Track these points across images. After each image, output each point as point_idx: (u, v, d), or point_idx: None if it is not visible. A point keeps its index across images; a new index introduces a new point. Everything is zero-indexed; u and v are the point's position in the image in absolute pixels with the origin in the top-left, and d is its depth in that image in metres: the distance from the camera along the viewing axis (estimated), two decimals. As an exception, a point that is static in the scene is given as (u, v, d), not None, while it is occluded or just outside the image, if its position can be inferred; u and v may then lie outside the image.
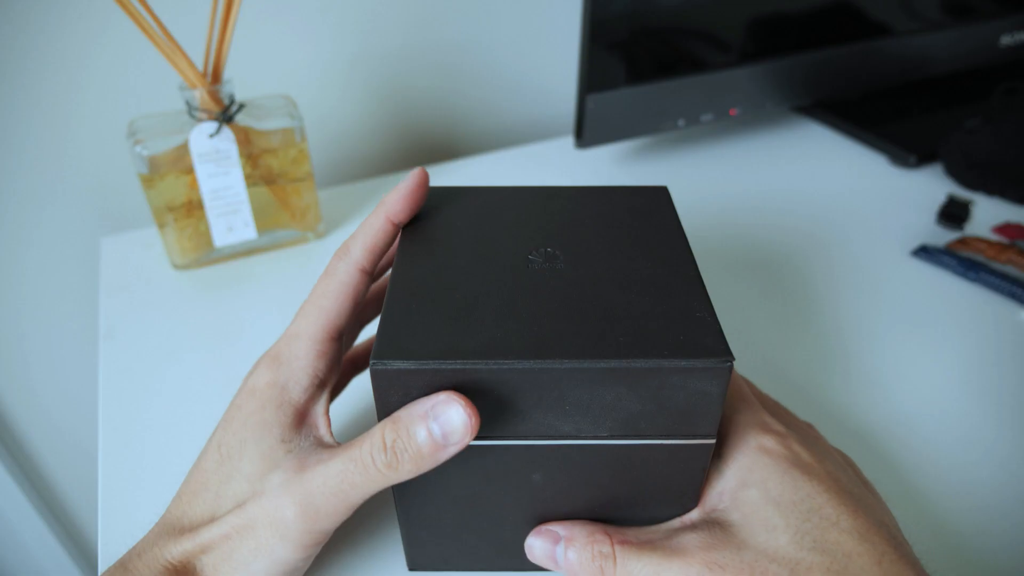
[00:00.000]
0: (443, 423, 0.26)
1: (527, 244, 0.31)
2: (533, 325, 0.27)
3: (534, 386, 0.26)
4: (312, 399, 0.31)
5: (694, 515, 0.30)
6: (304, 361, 0.30)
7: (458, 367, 0.26)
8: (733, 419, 0.31)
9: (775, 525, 0.27)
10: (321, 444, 0.30)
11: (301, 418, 0.30)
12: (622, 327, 0.27)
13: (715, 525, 0.29)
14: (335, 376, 0.32)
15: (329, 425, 0.31)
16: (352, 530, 0.36)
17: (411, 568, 0.33)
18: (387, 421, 0.27)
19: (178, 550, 0.29)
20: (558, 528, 0.31)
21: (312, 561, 0.30)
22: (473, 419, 0.26)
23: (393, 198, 0.32)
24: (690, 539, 0.28)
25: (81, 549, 0.84)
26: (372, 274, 0.33)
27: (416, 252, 0.31)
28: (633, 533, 0.30)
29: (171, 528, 0.30)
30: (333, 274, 0.32)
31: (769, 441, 0.30)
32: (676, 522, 0.31)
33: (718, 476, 0.30)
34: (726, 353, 0.26)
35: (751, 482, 0.29)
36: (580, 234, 0.32)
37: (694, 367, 0.25)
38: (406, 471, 0.27)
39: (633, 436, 0.27)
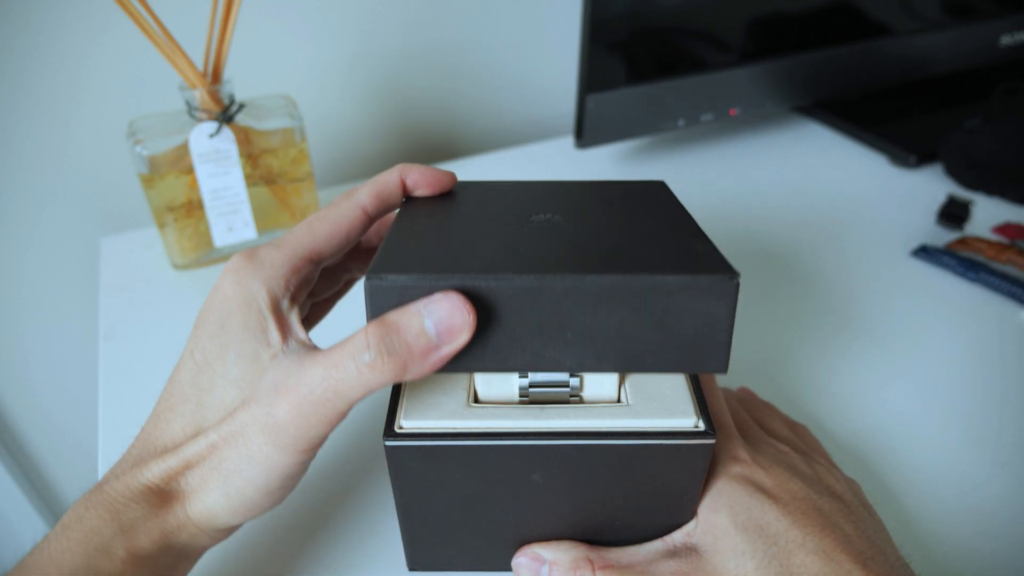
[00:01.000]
0: (438, 319, 0.24)
1: (529, 210, 0.31)
2: (534, 256, 0.26)
3: (535, 307, 0.25)
4: (289, 309, 0.28)
5: (677, 538, 0.31)
6: (279, 269, 0.28)
7: (456, 283, 0.24)
8: None
9: (743, 551, 0.28)
10: (305, 347, 0.27)
11: (282, 322, 0.27)
12: (625, 254, 0.26)
13: (691, 552, 0.30)
14: (304, 297, 0.30)
15: (307, 334, 0.29)
16: (352, 530, 0.36)
17: (411, 568, 0.33)
18: (374, 321, 0.24)
19: (160, 469, 0.27)
20: (544, 551, 0.31)
21: (307, 468, 0.28)
22: (471, 316, 0.24)
23: (414, 167, 0.32)
24: (667, 567, 0.29)
25: (81, 549, 0.84)
26: (372, 218, 0.31)
27: (419, 208, 0.31)
28: (616, 556, 0.31)
29: (149, 448, 0.28)
30: (334, 206, 0.30)
31: (736, 469, 0.30)
32: (660, 543, 0.31)
33: None
34: (730, 271, 0.25)
35: (719, 507, 0.30)
36: (582, 205, 0.32)
37: (698, 283, 0.24)
38: (390, 371, 0.24)
39: (638, 369, 0.26)
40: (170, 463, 0.27)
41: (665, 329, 0.25)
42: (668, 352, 0.26)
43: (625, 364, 0.26)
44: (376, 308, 0.25)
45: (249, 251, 0.29)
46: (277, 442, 0.26)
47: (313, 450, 0.27)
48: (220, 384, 0.27)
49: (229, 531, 0.29)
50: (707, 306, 0.25)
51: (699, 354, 0.26)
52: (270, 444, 0.26)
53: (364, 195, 0.31)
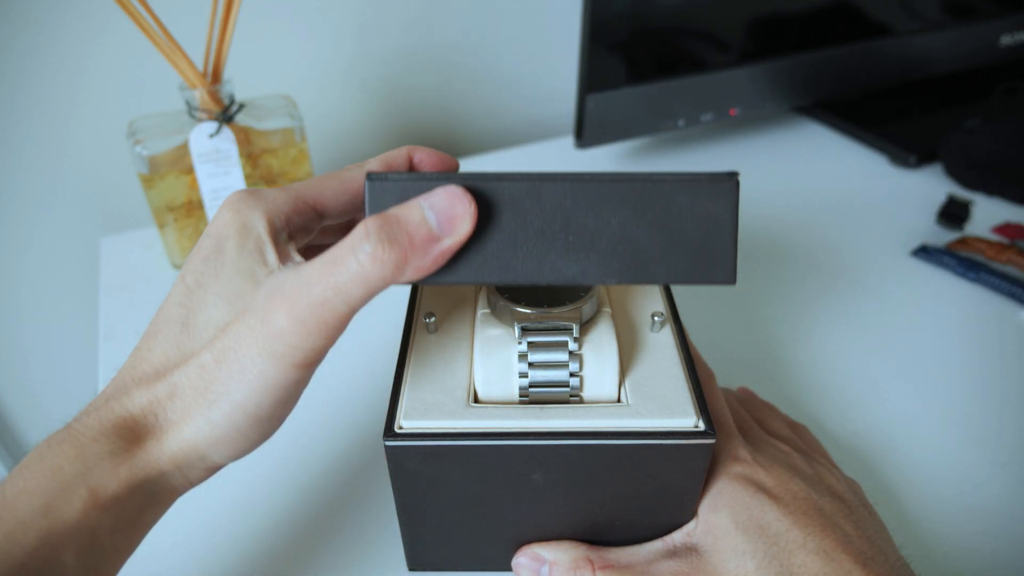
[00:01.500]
0: (438, 209, 0.23)
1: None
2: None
3: (536, 208, 0.24)
4: (287, 242, 0.27)
5: (677, 538, 0.31)
6: (281, 205, 0.27)
7: (458, 182, 0.24)
8: None
9: (743, 551, 0.28)
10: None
11: (280, 249, 0.26)
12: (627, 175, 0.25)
13: (691, 552, 0.30)
14: (302, 244, 0.29)
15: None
16: (352, 530, 0.36)
17: (411, 568, 0.33)
18: (374, 215, 0.23)
19: (140, 399, 0.25)
20: (544, 551, 0.31)
21: (299, 394, 0.26)
22: (471, 206, 0.23)
23: (421, 148, 0.31)
24: (667, 567, 0.29)
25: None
26: None
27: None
28: (616, 556, 0.31)
29: (128, 379, 0.26)
30: (344, 170, 0.30)
31: (737, 468, 0.30)
32: (659, 543, 0.31)
33: None
34: (730, 176, 0.25)
35: (720, 507, 0.30)
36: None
37: (698, 181, 0.24)
38: (391, 261, 0.23)
39: (643, 279, 0.25)
40: (154, 390, 0.25)
41: (668, 233, 0.25)
42: (673, 259, 0.25)
43: (629, 273, 0.25)
44: (376, 207, 0.24)
45: (251, 189, 0.27)
46: (272, 352, 0.23)
47: (310, 366, 0.25)
48: (211, 302, 0.25)
49: (208, 471, 0.26)
50: (708, 206, 0.24)
51: (705, 262, 0.25)
52: (264, 355, 0.24)
53: (374, 164, 0.30)
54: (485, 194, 0.24)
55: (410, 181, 0.24)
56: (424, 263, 0.23)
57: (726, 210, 0.25)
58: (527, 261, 0.25)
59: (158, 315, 0.26)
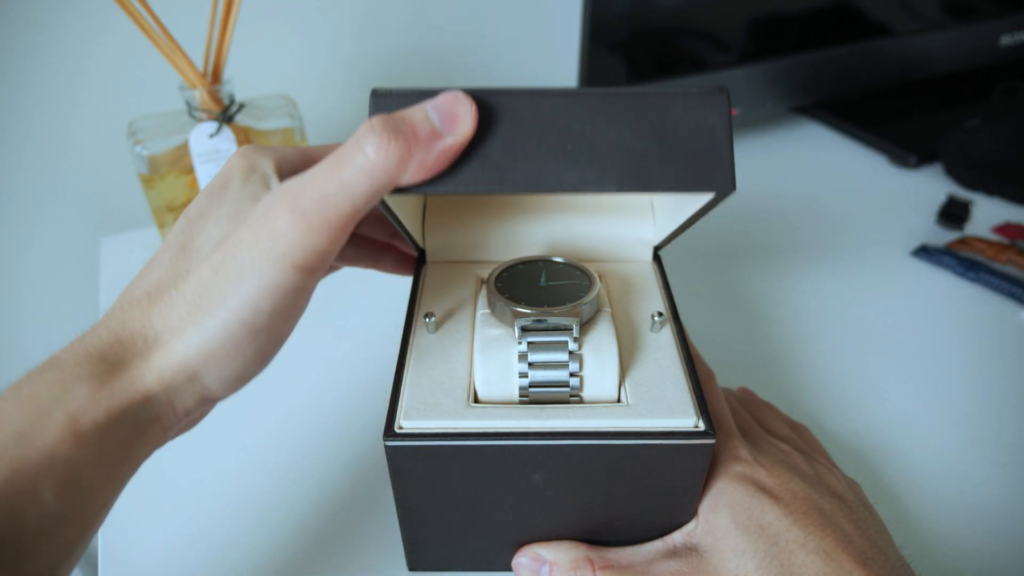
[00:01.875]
0: (440, 109, 0.23)
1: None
2: None
3: (535, 117, 0.25)
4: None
5: (677, 538, 0.31)
6: (290, 156, 0.27)
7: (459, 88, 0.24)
8: None
9: (743, 551, 0.28)
10: None
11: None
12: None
13: (692, 552, 0.30)
14: None
15: None
16: (352, 530, 0.36)
17: (411, 568, 0.33)
18: (378, 114, 0.23)
19: (131, 321, 0.23)
20: (544, 551, 0.31)
21: (301, 306, 0.25)
22: (472, 107, 0.23)
23: None
24: (667, 567, 0.29)
25: (81, 549, 0.84)
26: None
27: None
28: (616, 556, 0.31)
29: (120, 306, 0.24)
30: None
31: (737, 468, 0.30)
32: (660, 543, 0.31)
33: None
34: (720, 89, 0.25)
35: (720, 507, 0.29)
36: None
37: (690, 92, 0.25)
38: (395, 154, 0.22)
39: (642, 186, 0.25)
40: (144, 310, 0.23)
41: (664, 141, 0.25)
42: (671, 167, 0.25)
43: (628, 181, 0.25)
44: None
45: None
46: (271, 251, 0.23)
47: (312, 271, 0.24)
48: (212, 222, 0.25)
49: (198, 401, 0.25)
50: (702, 116, 0.25)
51: (703, 170, 0.25)
52: (263, 256, 0.23)
53: None
54: (485, 105, 0.24)
55: (414, 96, 0.24)
56: (427, 159, 0.23)
57: (719, 120, 0.25)
58: (527, 170, 0.25)
59: (159, 250, 0.25)
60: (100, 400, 0.22)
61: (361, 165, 0.22)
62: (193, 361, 0.23)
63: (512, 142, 0.25)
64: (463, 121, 0.23)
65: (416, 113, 0.23)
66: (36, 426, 0.21)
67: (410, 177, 0.23)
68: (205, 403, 0.25)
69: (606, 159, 0.25)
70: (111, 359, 0.23)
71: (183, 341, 0.23)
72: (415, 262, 0.40)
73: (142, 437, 0.24)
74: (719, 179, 0.25)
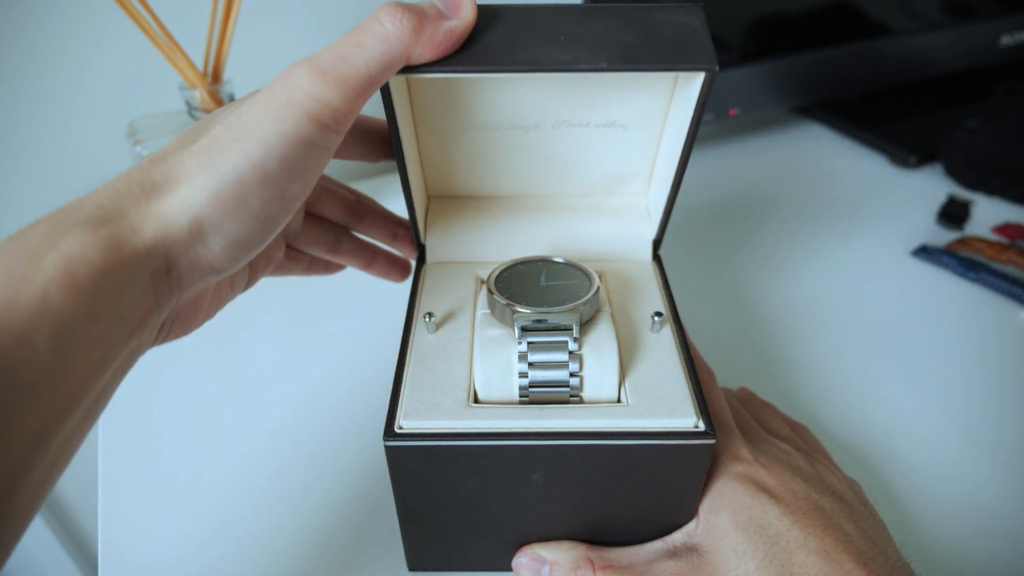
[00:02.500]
0: (446, 1, 0.26)
1: None
2: None
3: (531, 21, 0.28)
4: None
5: (677, 538, 0.31)
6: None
7: None
8: None
9: (744, 551, 0.28)
10: None
11: None
12: None
13: (692, 552, 0.30)
14: None
15: None
16: (352, 530, 0.36)
17: (411, 568, 0.33)
18: None
19: (136, 174, 0.23)
20: (545, 551, 0.31)
21: (315, 161, 0.25)
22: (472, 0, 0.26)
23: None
24: (667, 567, 0.29)
25: (81, 549, 0.84)
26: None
27: None
28: (616, 556, 0.31)
29: (123, 172, 0.24)
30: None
31: (738, 468, 0.30)
32: (660, 543, 0.31)
33: None
34: (697, 2, 0.29)
35: (720, 507, 0.29)
36: None
37: (668, 5, 0.29)
38: (410, 26, 0.25)
39: (630, 64, 0.28)
40: (146, 167, 0.23)
41: (650, 34, 0.28)
42: (656, 50, 0.28)
43: (618, 59, 0.28)
44: None
45: None
46: (288, 101, 0.23)
47: (326, 127, 0.24)
48: (233, 104, 0.26)
49: (199, 266, 0.24)
50: (681, 18, 0.28)
51: (686, 52, 0.28)
52: (280, 106, 0.23)
53: None
54: (487, 11, 0.28)
55: None
56: (436, 35, 0.26)
57: (698, 22, 0.29)
58: (524, 54, 0.28)
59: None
60: (97, 243, 0.21)
61: (378, 32, 0.25)
62: (198, 206, 0.23)
63: (512, 37, 0.28)
64: (465, 8, 0.26)
65: (425, 1, 0.26)
66: (28, 269, 0.20)
67: (420, 52, 0.26)
68: (204, 272, 0.24)
69: (597, 45, 0.28)
70: (108, 208, 0.22)
71: (188, 186, 0.23)
72: (406, 271, 0.41)
73: (139, 295, 0.22)
74: (702, 58, 0.28)
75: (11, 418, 0.19)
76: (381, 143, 0.35)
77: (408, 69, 0.27)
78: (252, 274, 0.33)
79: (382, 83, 0.26)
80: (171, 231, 0.23)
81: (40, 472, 0.20)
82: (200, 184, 0.23)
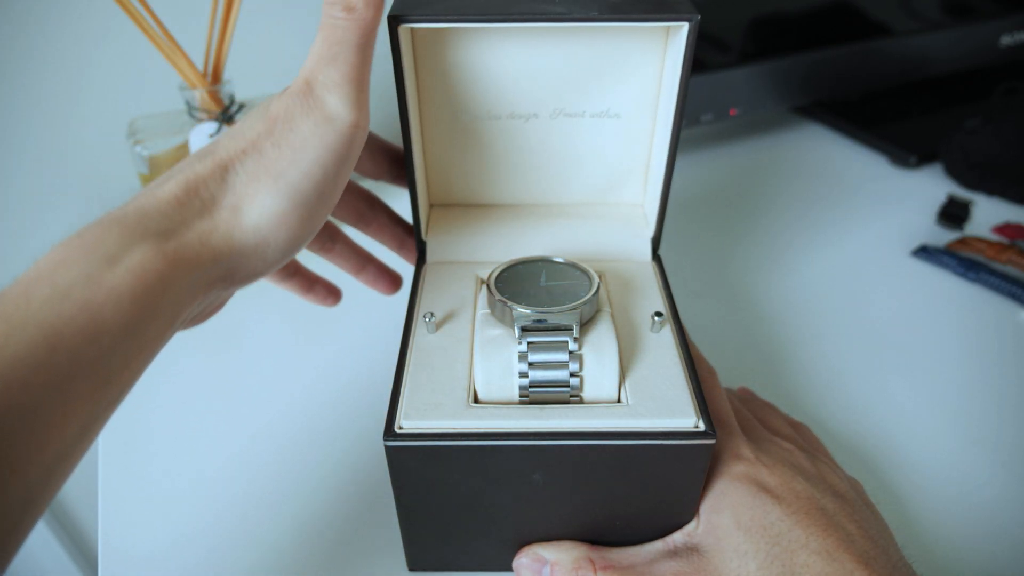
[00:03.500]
0: None
1: None
2: None
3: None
4: None
5: (678, 539, 0.31)
6: None
7: None
8: None
9: (745, 551, 0.28)
10: None
11: None
12: None
13: (693, 552, 0.30)
14: None
15: None
16: (352, 530, 0.36)
17: (411, 568, 0.33)
18: None
19: (201, 167, 0.25)
20: (545, 552, 0.31)
21: (350, 167, 0.27)
22: None
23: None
24: (668, 567, 0.29)
25: (81, 549, 0.84)
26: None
27: None
28: (617, 556, 0.31)
29: (181, 179, 0.25)
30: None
31: (740, 467, 0.30)
32: (660, 544, 0.31)
33: None
34: None
35: (722, 507, 0.30)
36: None
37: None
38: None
39: (618, 18, 0.30)
40: (205, 180, 0.25)
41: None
42: (641, 6, 0.31)
43: (608, 11, 0.30)
44: None
45: None
46: (322, 118, 0.26)
47: (351, 139, 0.26)
48: (271, 110, 0.27)
49: (256, 275, 0.26)
50: None
51: (668, 7, 0.31)
52: (318, 120, 0.26)
53: None
54: None
55: None
56: None
57: None
58: (522, 7, 0.30)
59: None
60: (167, 256, 0.23)
61: (340, 21, 0.27)
62: (267, 227, 0.25)
63: (507, 4, 0.31)
64: None
65: None
66: (104, 273, 0.22)
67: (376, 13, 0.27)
68: (255, 277, 0.27)
69: (588, 5, 0.31)
70: (175, 220, 0.24)
71: (253, 206, 0.25)
72: (396, 285, 0.41)
73: (193, 298, 0.24)
74: (682, 9, 0.31)
75: (71, 406, 0.21)
76: (384, 156, 0.37)
77: (408, 20, 0.30)
78: None
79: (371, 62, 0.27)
80: (237, 248, 0.25)
81: (75, 458, 0.22)
82: (266, 205, 0.25)
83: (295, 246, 0.27)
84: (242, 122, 0.27)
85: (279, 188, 0.25)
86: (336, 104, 0.26)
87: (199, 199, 0.25)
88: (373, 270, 0.40)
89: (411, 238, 0.40)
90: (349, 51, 0.27)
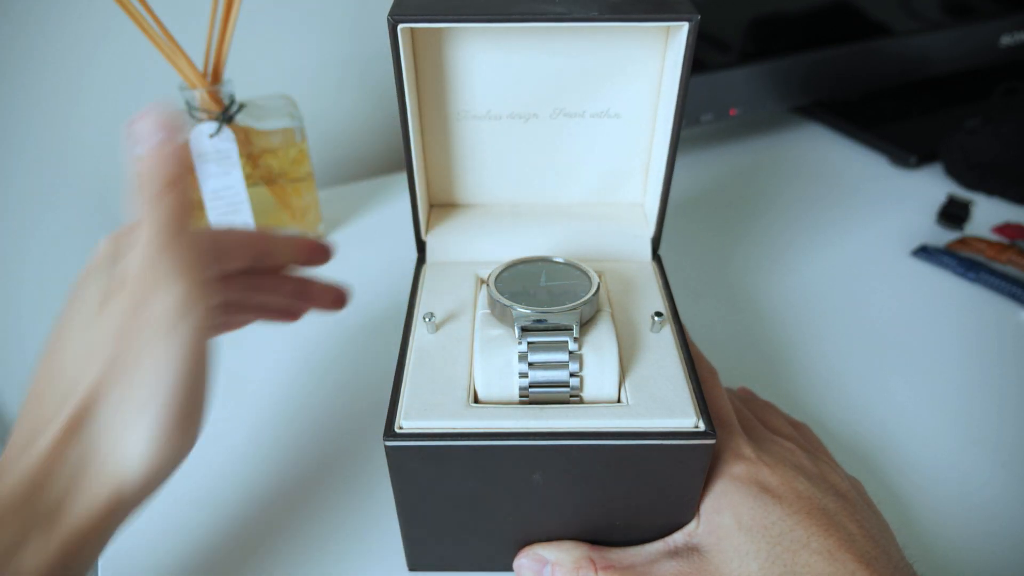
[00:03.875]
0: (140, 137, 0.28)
1: None
2: None
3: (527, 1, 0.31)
4: None
5: (678, 539, 0.31)
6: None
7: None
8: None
9: (747, 551, 0.28)
10: None
11: None
12: None
13: (693, 552, 0.30)
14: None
15: None
16: (352, 530, 0.36)
17: (411, 568, 0.33)
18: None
19: (51, 437, 0.24)
20: (546, 552, 0.31)
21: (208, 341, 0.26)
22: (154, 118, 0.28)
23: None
24: (669, 567, 0.29)
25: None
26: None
27: None
28: (618, 556, 0.31)
29: (18, 447, 0.24)
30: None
31: (740, 467, 0.30)
32: (661, 544, 0.31)
33: None
34: None
35: (723, 507, 0.29)
36: None
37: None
38: (156, 140, 0.27)
39: (620, 17, 0.30)
40: (63, 416, 0.24)
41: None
42: (641, 6, 0.31)
43: (607, 11, 0.31)
44: None
45: None
46: (168, 320, 0.24)
47: (207, 322, 0.26)
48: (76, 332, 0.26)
49: (138, 494, 0.24)
50: None
51: (667, 8, 0.31)
52: (164, 328, 0.24)
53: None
54: None
55: None
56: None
57: None
58: (522, 7, 0.31)
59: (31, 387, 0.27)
60: (49, 548, 0.23)
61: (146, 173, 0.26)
62: (144, 469, 0.24)
63: (509, 4, 0.31)
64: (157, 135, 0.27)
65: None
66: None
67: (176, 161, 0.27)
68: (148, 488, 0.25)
69: (588, 5, 0.31)
70: (45, 499, 0.23)
71: (134, 447, 0.24)
72: (340, 302, 0.39)
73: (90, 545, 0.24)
74: (682, 9, 0.31)
75: None
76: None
77: (408, 20, 0.30)
78: None
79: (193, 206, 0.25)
80: (130, 494, 0.24)
81: None
82: (142, 452, 0.24)
83: (175, 450, 0.25)
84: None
85: (146, 422, 0.24)
86: (171, 292, 0.25)
87: (71, 468, 0.23)
88: (310, 303, 0.38)
89: (312, 286, 0.38)
90: (162, 210, 0.27)
